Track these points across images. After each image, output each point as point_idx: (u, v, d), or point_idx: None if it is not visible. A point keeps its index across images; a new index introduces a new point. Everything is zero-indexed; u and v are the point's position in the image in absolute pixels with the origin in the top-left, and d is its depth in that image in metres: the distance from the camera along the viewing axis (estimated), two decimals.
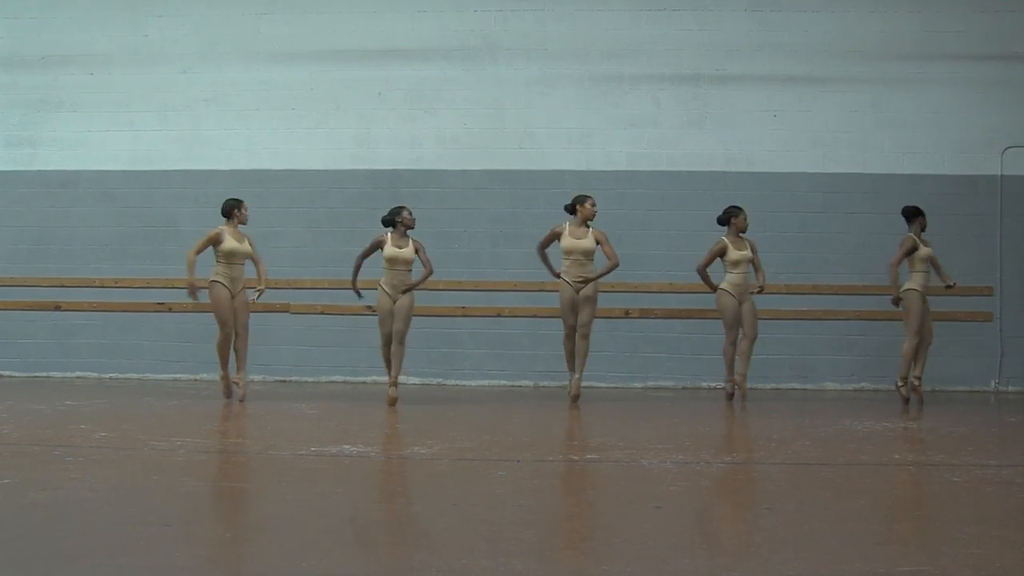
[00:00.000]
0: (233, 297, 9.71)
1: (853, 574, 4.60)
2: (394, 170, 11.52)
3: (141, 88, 11.75)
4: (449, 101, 11.52)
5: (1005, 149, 11.19)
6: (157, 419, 8.86)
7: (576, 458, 7.28)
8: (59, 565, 4.66)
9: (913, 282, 9.85)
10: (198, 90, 11.73)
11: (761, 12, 11.33)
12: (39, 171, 11.84)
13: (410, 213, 9.71)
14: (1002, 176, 11.18)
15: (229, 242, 9.62)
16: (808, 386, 11.20)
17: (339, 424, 8.89)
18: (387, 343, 9.70)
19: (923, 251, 9.90)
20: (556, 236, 9.82)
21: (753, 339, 10.09)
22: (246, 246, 9.77)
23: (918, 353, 9.91)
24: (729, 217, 10.07)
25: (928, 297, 9.90)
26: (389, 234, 9.68)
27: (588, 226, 9.78)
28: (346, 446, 7.54)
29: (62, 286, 11.73)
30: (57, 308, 11.73)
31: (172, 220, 11.66)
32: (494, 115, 11.49)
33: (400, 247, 9.63)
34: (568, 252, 9.75)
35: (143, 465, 6.87)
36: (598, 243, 9.76)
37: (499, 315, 11.40)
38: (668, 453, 7.39)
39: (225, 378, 9.86)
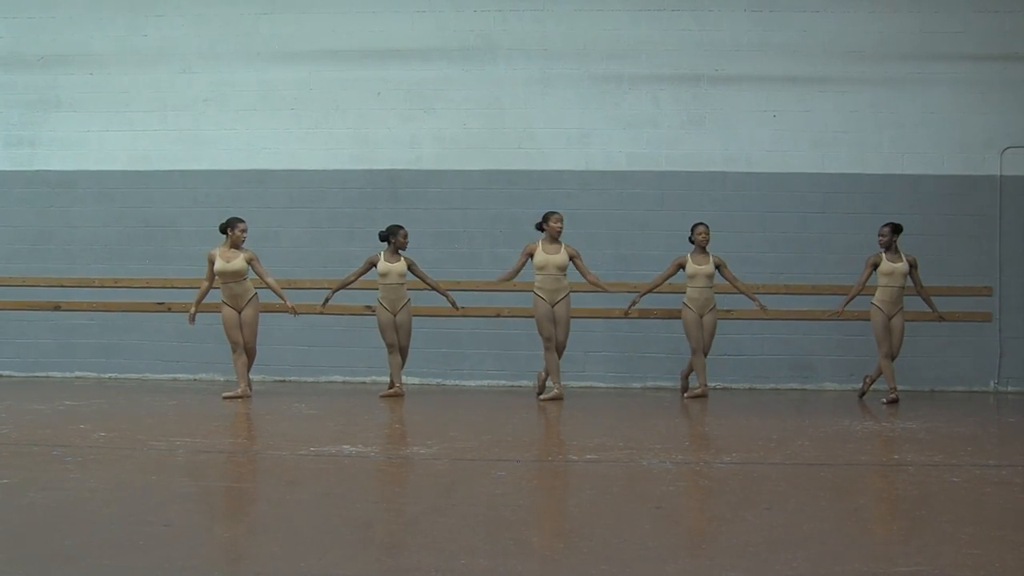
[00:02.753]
0: (239, 312, 10.02)
1: (852, 574, 4.60)
2: (393, 170, 11.53)
3: (140, 88, 11.76)
4: (448, 101, 11.52)
5: (1004, 149, 11.19)
6: (156, 419, 8.86)
7: (575, 458, 7.28)
8: (58, 565, 4.66)
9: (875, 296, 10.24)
10: (197, 90, 11.73)
11: (760, 12, 11.34)
12: (38, 171, 11.84)
13: (406, 236, 10.28)
14: (1001, 176, 11.18)
15: (218, 263, 10.00)
16: (807, 386, 11.20)
17: (338, 424, 8.89)
18: (394, 352, 10.34)
19: (885, 266, 10.19)
20: (529, 255, 10.17)
21: (704, 353, 10.37)
22: (236, 264, 9.98)
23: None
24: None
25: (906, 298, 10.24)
26: (382, 251, 10.31)
27: (560, 242, 10.13)
28: (345, 446, 7.55)
29: (61, 286, 11.74)
30: (56, 308, 11.73)
31: (172, 220, 11.66)
32: (493, 115, 11.49)
33: (392, 262, 10.23)
34: (541, 267, 10.08)
35: (142, 465, 6.88)
36: (571, 259, 10.14)
37: (498, 315, 11.40)
38: (667, 453, 7.39)
39: (244, 394, 10.03)
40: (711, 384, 10.58)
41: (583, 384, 11.20)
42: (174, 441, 7.63)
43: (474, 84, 11.50)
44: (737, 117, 11.32)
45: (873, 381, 10.42)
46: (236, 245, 10.03)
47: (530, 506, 6.00)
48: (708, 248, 10.37)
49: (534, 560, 4.84)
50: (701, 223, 10.41)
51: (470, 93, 11.51)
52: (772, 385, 11.21)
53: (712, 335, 10.41)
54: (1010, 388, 11.14)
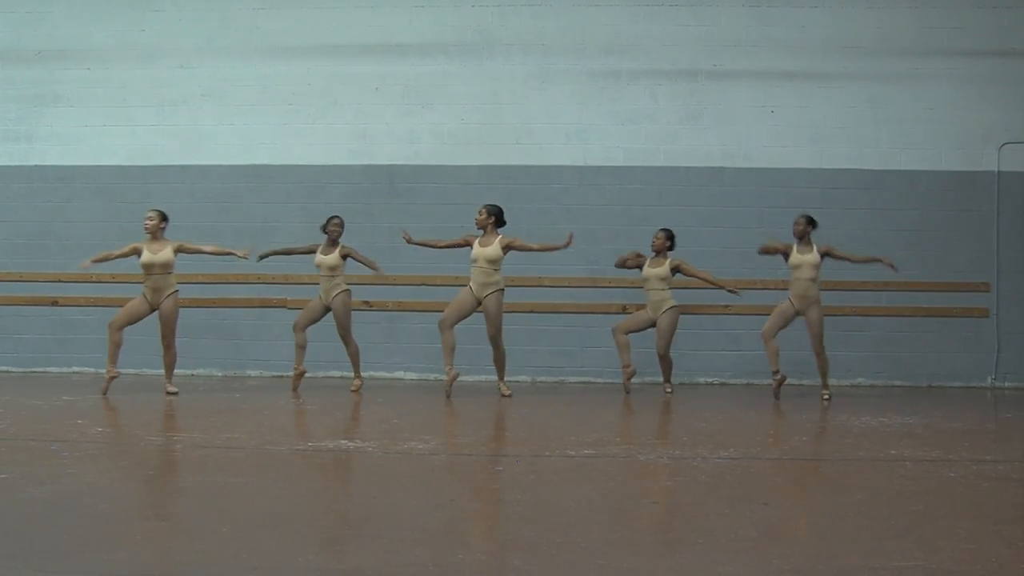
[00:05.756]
0: (153, 309, 9.93)
1: (849, 569, 4.61)
2: (391, 165, 11.52)
3: (138, 83, 11.75)
4: (446, 96, 11.52)
5: (1002, 145, 11.19)
6: (154, 414, 8.86)
7: (573, 453, 7.28)
8: (56, 560, 4.66)
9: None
10: (195, 85, 11.72)
11: (758, 8, 11.33)
12: (36, 166, 11.83)
13: (339, 224, 10.23)
14: (999, 172, 11.19)
15: (144, 254, 9.88)
16: (804, 382, 11.19)
17: (336, 419, 8.89)
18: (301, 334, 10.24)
19: (794, 257, 10.05)
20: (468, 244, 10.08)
21: (660, 354, 10.42)
22: (163, 255, 9.85)
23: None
24: None
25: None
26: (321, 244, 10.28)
27: (498, 234, 9.94)
28: (343, 441, 7.55)
29: (59, 281, 11.73)
30: (54, 303, 11.72)
31: (169, 215, 11.62)
32: (491, 110, 11.49)
33: (325, 254, 10.18)
34: (472, 260, 9.95)
35: (139, 460, 6.88)
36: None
37: None
38: (665, 448, 7.40)
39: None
40: (709, 380, 10.58)
41: (581, 379, 11.21)
42: (171, 436, 7.63)
43: (472, 79, 11.50)
44: (735, 112, 11.32)
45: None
46: (154, 235, 9.90)
47: (527, 501, 6.00)
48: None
49: (531, 555, 4.84)
50: (659, 230, 10.41)
51: (468, 88, 11.50)
52: (769, 381, 11.19)
53: (664, 336, 10.31)
54: (1007, 384, 11.16)
